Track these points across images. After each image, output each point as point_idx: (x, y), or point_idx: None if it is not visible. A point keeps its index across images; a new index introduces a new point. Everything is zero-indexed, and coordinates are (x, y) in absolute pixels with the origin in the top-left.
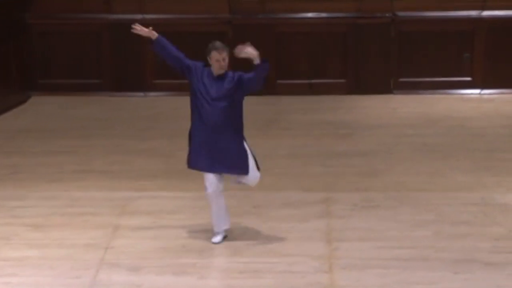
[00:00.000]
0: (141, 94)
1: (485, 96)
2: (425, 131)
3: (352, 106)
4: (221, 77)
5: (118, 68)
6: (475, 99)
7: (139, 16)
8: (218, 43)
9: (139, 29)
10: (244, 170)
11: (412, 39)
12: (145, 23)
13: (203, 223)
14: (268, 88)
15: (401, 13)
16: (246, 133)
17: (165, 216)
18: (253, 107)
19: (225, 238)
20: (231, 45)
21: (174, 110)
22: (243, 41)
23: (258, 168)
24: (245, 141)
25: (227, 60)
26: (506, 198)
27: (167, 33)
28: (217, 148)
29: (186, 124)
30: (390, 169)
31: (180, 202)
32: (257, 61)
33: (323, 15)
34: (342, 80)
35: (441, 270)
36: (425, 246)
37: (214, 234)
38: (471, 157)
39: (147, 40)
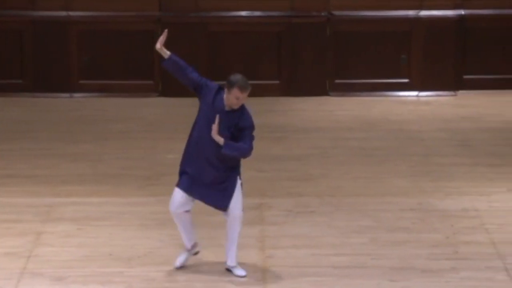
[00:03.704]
0: (67, 95)
1: (423, 99)
2: (362, 135)
3: (287, 109)
4: (230, 111)
5: (42, 68)
6: (412, 102)
7: (63, 13)
8: (243, 81)
9: (159, 46)
10: (223, 205)
11: (348, 39)
12: (70, 21)
13: (130, 230)
14: None
15: (337, 12)
16: (176, 136)
17: (91, 223)
18: (184, 109)
19: (196, 253)
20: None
21: (102, 112)
22: (173, 41)
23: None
24: (239, 177)
25: (245, 99)
26: (443, 204)
27: (93, 32)
28: (205, 181)
29: (115, 127)
30: (326, 174)
31: (107, 208)
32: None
33: (257, 13)
34: (276, 82)
35: (378, 278)
36: (362, 253)
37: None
38: (409, 161)
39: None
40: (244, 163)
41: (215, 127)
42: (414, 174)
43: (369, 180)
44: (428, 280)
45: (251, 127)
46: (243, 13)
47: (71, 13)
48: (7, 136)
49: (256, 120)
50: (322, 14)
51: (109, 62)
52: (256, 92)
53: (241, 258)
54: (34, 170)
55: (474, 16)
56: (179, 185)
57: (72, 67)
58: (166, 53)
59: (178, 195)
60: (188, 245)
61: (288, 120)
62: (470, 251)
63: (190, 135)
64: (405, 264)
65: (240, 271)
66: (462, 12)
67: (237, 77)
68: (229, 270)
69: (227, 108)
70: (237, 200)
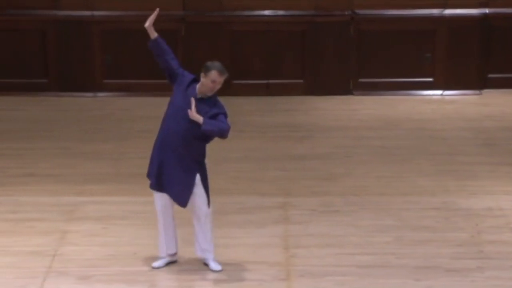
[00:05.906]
0: (90, 94)
1: (447, 98)
2: (385, 134)
3: (310, 108)
4: (202, 99)
5: (66, 67)
6: (436, 101)
7: (87, 13)
8: (220, 65)
9: (149, 24)
10: (182, 203)
11: (372, 38)
12: (94, 20)
13: (153, 229)
14: (223, 88)
15: (360, 11)
16: None
17: (115, 222)
18: None
19: (169, 264)
20: (183, 44)
21: (124, 111)
22: (196, 40)
23: (208, 205)
24: (201, 173)
25: (220, 84)
26: (468, 203)
27: (117, 31)
28: (168, 171)
29: (136, 126)
30: (349, 173)
31: (130, 207)
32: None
33: (280, 13)
34: (300, 81)
35: (402, 277)
36: (386, 252)
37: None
38: (432, 160)
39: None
40: (268, 162)
41: (193, 108)
42: (438, 173)
43: (393, 179)
44: (453, 279)
45: (225, 113)
46: (267, 12)
47: (95, 13)
48: (30, 135)
49: (279, 119)
50: (346, 13)
51: (132, 62)
52: (279, 91)
53: (265, 257)
54: (56, 169)
55: (499, 15)
56: (150, 186)
57: (96, 67)
58: (154, 34)
59: (157, 196)
60: (165, 252)
61: (312, 119)
62: (495, 250)
63: (162, 122)
64: (429, 263)
65: (217, 266)
66: (487, 10)
67: (215, 63)
68: (206, 264)
69: (199, 96)
70: (200, 197)
